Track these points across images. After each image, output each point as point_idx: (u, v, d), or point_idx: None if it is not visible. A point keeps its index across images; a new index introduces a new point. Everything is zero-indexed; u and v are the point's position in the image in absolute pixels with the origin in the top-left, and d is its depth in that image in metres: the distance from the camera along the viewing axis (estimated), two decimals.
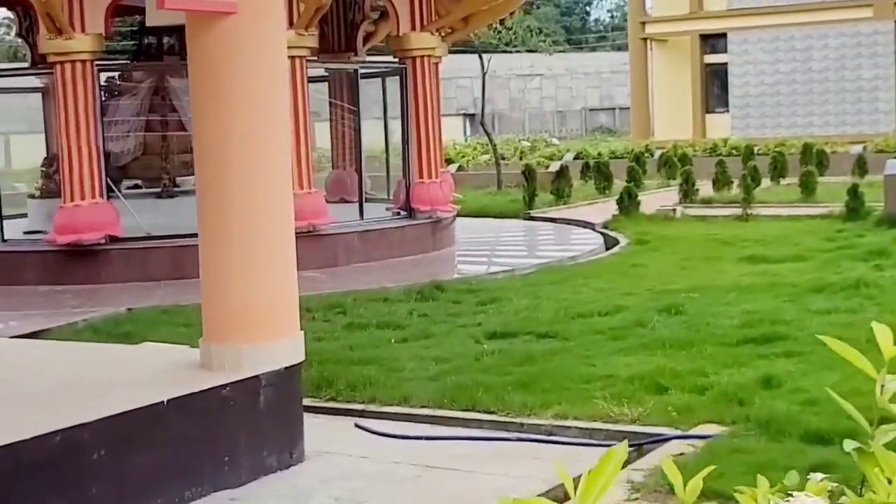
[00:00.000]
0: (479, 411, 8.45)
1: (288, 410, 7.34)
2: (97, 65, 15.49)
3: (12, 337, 11.75)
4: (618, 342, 10.28)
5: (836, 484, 2.60)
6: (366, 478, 7.12)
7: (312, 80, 17.87)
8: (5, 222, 16.78)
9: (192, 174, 18.20)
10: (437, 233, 17.95)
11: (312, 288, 14.24)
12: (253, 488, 6.95)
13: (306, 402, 8.82)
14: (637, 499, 6.49)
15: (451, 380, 9.07)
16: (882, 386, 2.48)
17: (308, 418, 8.46)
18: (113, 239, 15.55)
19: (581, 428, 8.00)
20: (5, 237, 16.18)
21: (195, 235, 15.75)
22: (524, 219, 22.77)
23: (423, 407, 8.65)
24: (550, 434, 8.02)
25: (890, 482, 2.41)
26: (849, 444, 2.47)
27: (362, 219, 17.31)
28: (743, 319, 10.91)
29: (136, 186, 19.01)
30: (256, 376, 7.11)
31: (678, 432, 7.72)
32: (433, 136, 17.77)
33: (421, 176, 17.77)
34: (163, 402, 6.54)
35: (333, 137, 21.20)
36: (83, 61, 15.15)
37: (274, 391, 7.22)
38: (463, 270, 16.08)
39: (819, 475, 2.62)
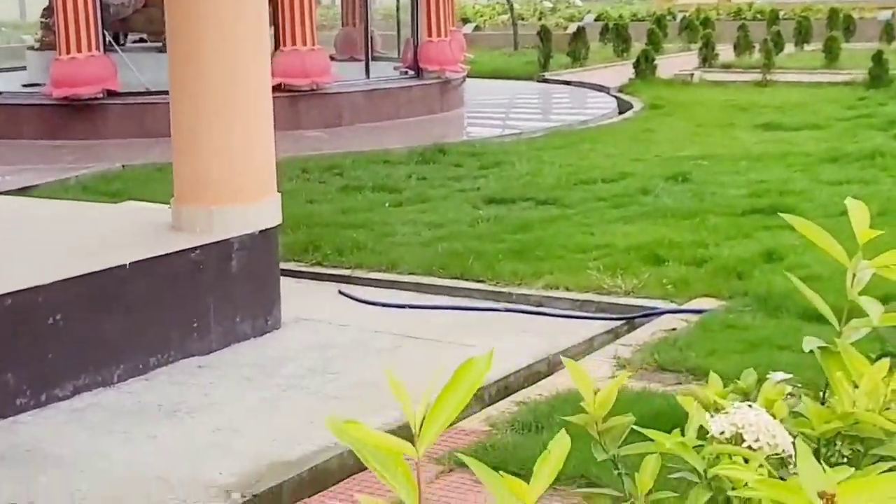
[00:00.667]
0: (468, 280, 8.12)
1: (263, 275, 7.02)
2: None
3: None
4: (619, 210, 9.90)
5: (798, 386, 2.25)
6: (342, 347, 6.82)
7: None
8: (7, 75, 16.38)
9: None
10: (446, 94, 17.45)
11: (313, 148, 13.90)
12: (223, 355, 6.66)
13: (291, 266, 8.54)
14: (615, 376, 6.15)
15: (443, 246, 8.74)
16: (853, 275, 2.10)
17: (290, 284, 8.16)
18: (111, 94, 15.13)
19: (572, 300, 7.68)
20: (1, 90, 15.74)
21: None
22: (538, 81, 22.18)
23: (410, 274, 8.32)
24: (540, 305, 7.70)
25: (856, 387, 2.05)
26: (809, 343, 2.10)
27: (368, 77, 16.81)
28: (751, 189, 10.50)
29: (141, 41, 18.49)
30: (227, 240, 6.77)
31: (672, 306, 7.38)
32: None
33: (430, 34, 17.20)
34: (125, 265, 6.21)
35: None
36: None
37: (247, 255, 6.88)
38: (470, 133, 15.63)
39: (780, 375, 2.25)
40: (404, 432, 1.63)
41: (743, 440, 1.91)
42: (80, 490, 4.90)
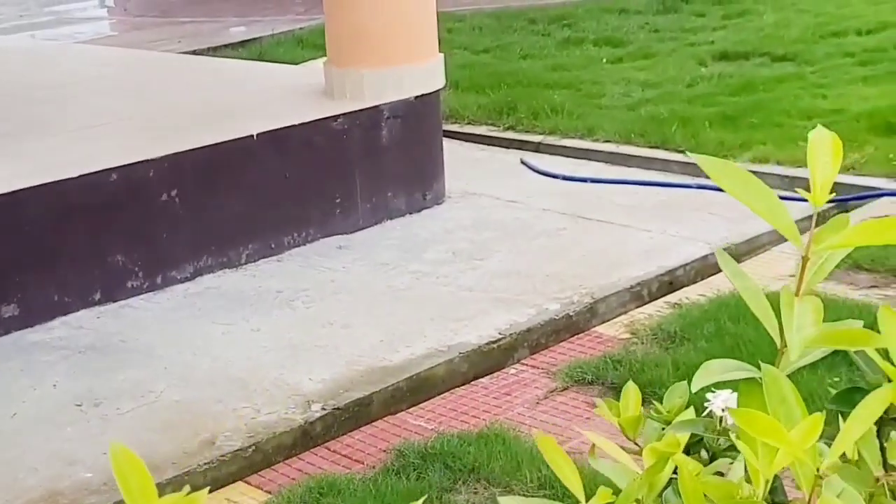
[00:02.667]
0: (667, 149, 7.23)
1: (420, 146, 6.37)
2: None
3: (215, 48, 11.21)
4: (866, 68, 8.67)
5: None
6: (501, 227, 6.13)
7: None
8: None
9: None
10: None
11: None
12: (369, 234, 6.09)
13: (482, 130, 7.92)
14: None
15: (647, 110, 7.84)
16: None
17: (472, 151, 7.55)
18: None
19: (781, 176, 6.67)
20: None
21: None
22: None
23: (606, 141, 7.50)
24: None
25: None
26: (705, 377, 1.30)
27: None
28: None
29: None
30: (377, 107, 6.14)
31: (894, 188, 6.31)
32: None
33: None
34: (252, 135, 5.68)
35: None
36: None
37: (401, 124, 6.24)
38: None
39: (720, 399, 1.44)
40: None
41: None
42: (153, 392, 4.46)
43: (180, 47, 11.37)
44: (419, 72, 6.25)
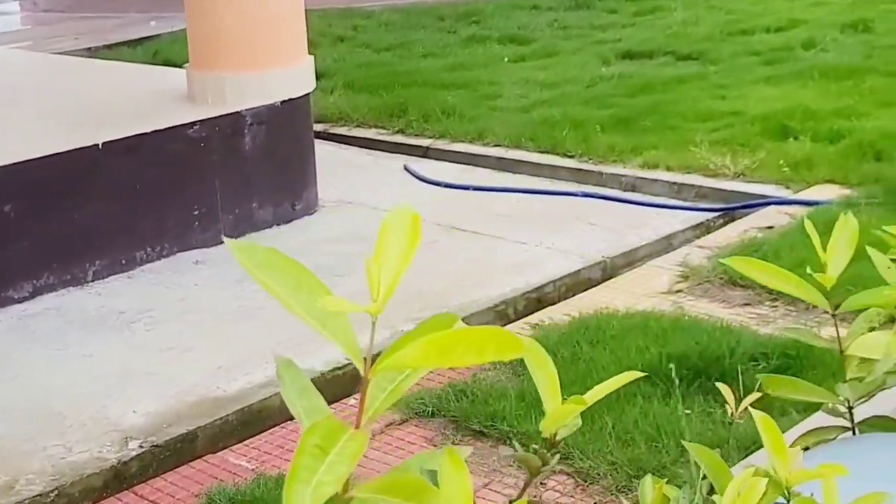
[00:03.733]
0: (557, 154, 6.96)
1: (288, 153, 6.05)
2: None
3: (111, 45, 10.82)
4: (770, 68, 8.45)
5: None
6: (369, 240, 5.76)
7: None
8: None
9: None
10: None
11: None
12: (224, 250, 5.73)
13: (371, 134, 7.60)
14: (679, 290, 4.97)
15: (541, 113, 7.56)
16: None
17: (357, 156, 7.24)
18: None
19: (670, 182, 6.44)
20: None
21: None
22: None
23: (496, 145, 7.21)
24: (631, 189, 6.50)
25: None
26: None
27: None
28: None
29: None
30: (238, 112, 5.81)
31: (785, 194, 6.06)
32: None
33: None
34: (96, 145, 5.33)
35: None
36: None
37: (266, 130, 5.92)
38: None
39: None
40: None
41: None
42: None
43: (76, 44, 10.98)
44: (285, 75, 5.93)
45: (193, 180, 5.66)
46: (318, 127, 7.84)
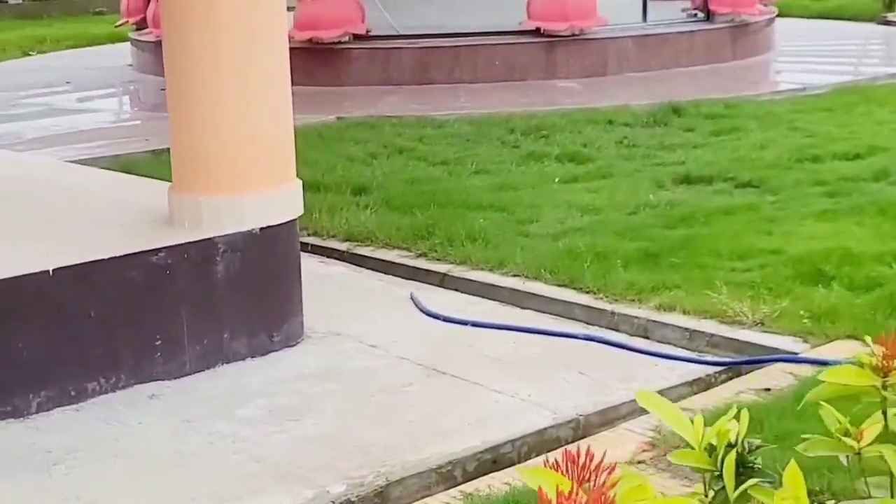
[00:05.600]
0: (574, 289, 6.53)
1: (266, 282, 5.74)
2: None
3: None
4: (832, 200, 7.90)
5: None
6: (343, 380, 5.46)
7: None
8: None
9: None
10: (740, 39, 15.35)
11: (553, 101, 12.44)
12: (191, 382, 5.45)
13: (392, 257, 7.25)
14: (641, 461, 4.48)
15: (569, 241, 7.14)
16: None
17: (368, 281, 6.92)
18: (357, 37, 14.14)
19: (682, 328, 5.94)
20: None
21: (447, 35, 14.26)
22: (879, 23, 19.46)
23: (515, 276, 6.81)
24: (644, 332, 6.02)
25: None
26: None
27: (645, 21, 14.98)
28: None
29: None
30: (210, 239, 5.53)
31: (800, 349, 5.53)
32: None
33: None
34: (48, 271, 5.09)
35: None
36: None
37: (242, 258, 5.62)
38: (747, 87, 13.45)
39: None
40: None
41: None
42: None
43: (145, 146, 10.92)
44: (265, 201, 5.64)
45: (156, 309, 5.38)
46: (342, 246, 7.58)
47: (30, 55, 19.37)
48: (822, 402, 2.54)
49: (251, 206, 5.60)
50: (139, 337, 5.34)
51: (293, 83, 14.10)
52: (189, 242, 5.45)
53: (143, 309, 5.34)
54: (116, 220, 5.86)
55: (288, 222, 5.77)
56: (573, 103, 12.23)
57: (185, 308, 5.45)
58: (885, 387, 1.78)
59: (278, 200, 5.71)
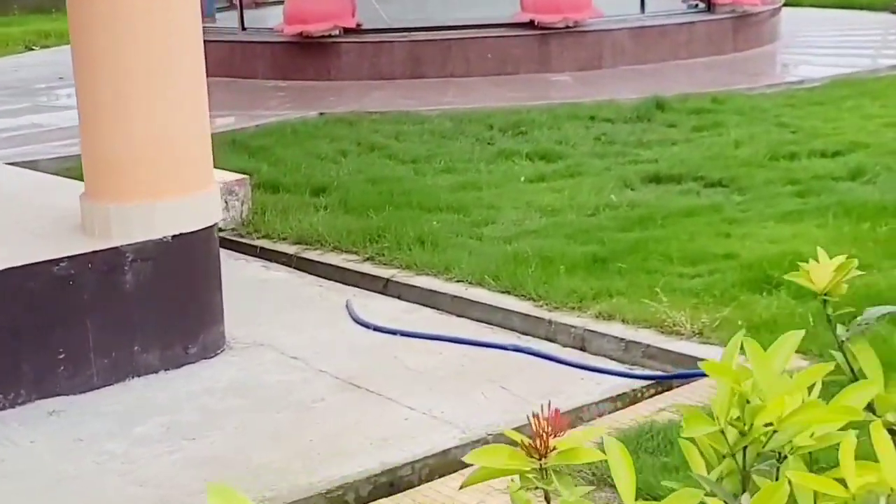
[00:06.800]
0: (516, 296, 6.28)
1: (180, 292, 5.52)
2: None
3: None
4: (801, 200, 7.61)
5: None
6: (254, 395, 5.24)
7: None
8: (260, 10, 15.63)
9: None
10: (742, 30, 15.00)
11: (540, 96, 12.17)
12: (96, 397, 5.24)
13: (337, 261, 7.03)
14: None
15: (518, 245, 6.88)
16: None
17: (308, 288, 6.71)
18: (348, 31, 13.90)
19: (616, 338, 5.68)
20: (245, 26, 14.88)
21: (438, 28, 14.00)
22: (893, 13, 19.04)
23: (459, 281, 6.57)
24: (581, 342, 5.77)
25: None
26: None
27: (643, 12, 14.64)
28: None
29: None
30: (117, 248, 5.32)
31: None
32: None
33: None
34: None
35: None
36: None
37: (153, 267, 5.40)
38: (744, 80, 13.07)
39: None
40: None
41: None
42: None
43: None
44: (178, 207, 5.43)
45: (58, 321, 5.18)
46: (290, 250, 7.37)
47: (32, 49, 19.24)
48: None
49: (162, 213, 5.39)
50: (41, 351, 5.14)
51: (284, 78, 13.98)
52: (93, 252, 5.24)
53: (44, 321, 5.14)
54: (28, 227, 5.65)
55: (204, 229, 5.55)
56: (561, 98, 11.95)
57: (90, 319, 5.25)
58: (543, 470, 1.53)
59: (193, 207, 5.48)
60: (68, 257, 5.18)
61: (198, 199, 5.51)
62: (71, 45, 5.51)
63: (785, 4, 17.39)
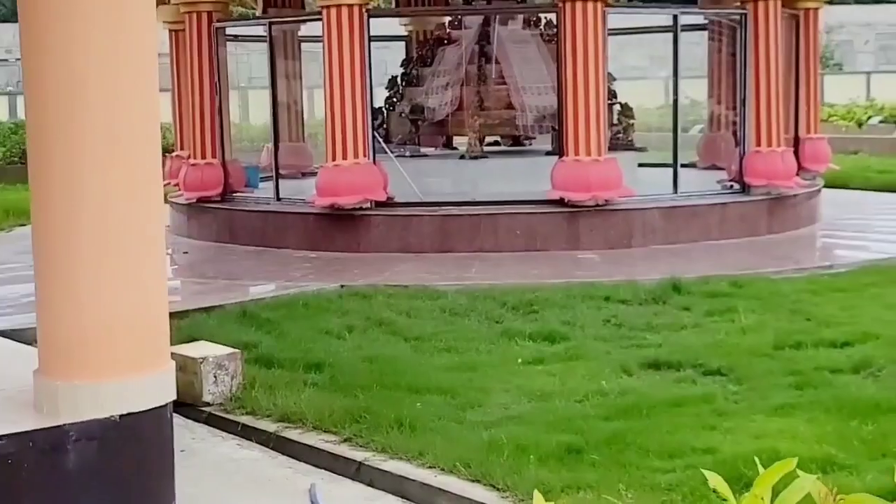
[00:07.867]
0: (484, 485, 6.11)
1: (127, 473, 5.42)
2: (368, 11, 13.94)
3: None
4: (797, 393, 7.40)
5: None
6: None
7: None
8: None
9: (505, 133, 16.39)
10: (777, 212, 14.91)
11: (565, 274, 12.10)
12: None
13: (315, 441, 6.91)
14: None
15: (495, 433, 6.73)
16: None
17: (276, 470, 6.64)
18: (379, 204, 14.00)
19: None
20: (280, 196, 15.07)
21: (468, 204, 14.07)
22: None
23: (430, 468, 6.42)
24: None
25: None
26: None
27: (675, 192, 14.62)
28: None
29: (496, 143, 17.16)
30: (60, 426, 5.25)
31: None
32: (773, 95, 14.73)
33: (758, 143, 14.80)
34: None
35: (712, 92, 18.31)
36: (350, 5, 13.65)
37: (98, 447, 5.32)
38: (770, 265, 12.81)
39: None
40: None
41: None
42: None
43: None
44: (126, 386, 5.36)
45: None
46: (271, 427, 7.27)
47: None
48: None
49: (110, 392, 5.33)
50: None
51: (314, 248, 14.03)
52: (35, 430, 5.17)
53: None
54: None
55: (155, 409, 5.47)
56: (584, 276, 11.85)
57: (29, 499, 5.15)
58: None
59: (144, 386, 5.42)
60: (7, 435, 5.11)
61: (150, 378, 5.46)
62: (32, 214, 5.54)
63: (830, 185, 17.35)
